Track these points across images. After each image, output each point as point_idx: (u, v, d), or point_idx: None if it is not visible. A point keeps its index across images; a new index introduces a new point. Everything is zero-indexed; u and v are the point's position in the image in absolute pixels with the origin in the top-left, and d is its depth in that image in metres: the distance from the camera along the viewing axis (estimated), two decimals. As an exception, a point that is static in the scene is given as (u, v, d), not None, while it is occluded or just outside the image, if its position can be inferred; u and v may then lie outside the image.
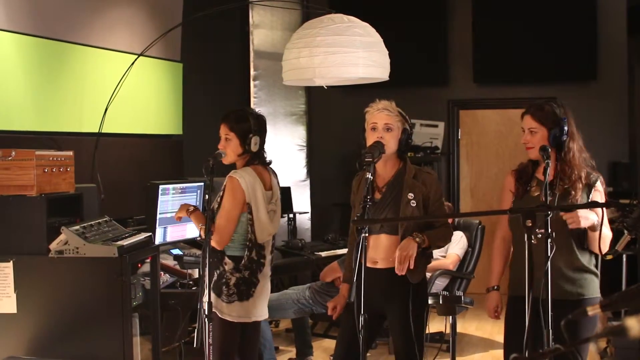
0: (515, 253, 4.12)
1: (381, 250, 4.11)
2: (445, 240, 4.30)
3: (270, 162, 4.55)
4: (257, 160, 4.45)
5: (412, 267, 3.95)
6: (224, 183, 4.35)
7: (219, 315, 4.29)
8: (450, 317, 3.97)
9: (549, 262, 3.36)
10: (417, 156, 9.27)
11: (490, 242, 4.55)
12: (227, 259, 4.33)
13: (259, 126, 4.44)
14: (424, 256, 4.14)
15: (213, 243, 4.23)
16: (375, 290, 3.92)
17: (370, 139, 4.12)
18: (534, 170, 4.14)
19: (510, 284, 4.14)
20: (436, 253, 6.79)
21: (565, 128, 3.99)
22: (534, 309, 3.76)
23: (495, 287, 4.19)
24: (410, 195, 4.11)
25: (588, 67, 9.28)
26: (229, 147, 4.36)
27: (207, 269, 3.96)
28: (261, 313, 4.51)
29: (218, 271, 4.34)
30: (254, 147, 4.40)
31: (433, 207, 4.16)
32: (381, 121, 4.14)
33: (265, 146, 4.52)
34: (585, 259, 3.99)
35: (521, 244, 3.84)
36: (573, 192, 3.96)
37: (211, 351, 4.17)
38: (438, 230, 4.18)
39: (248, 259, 4.35)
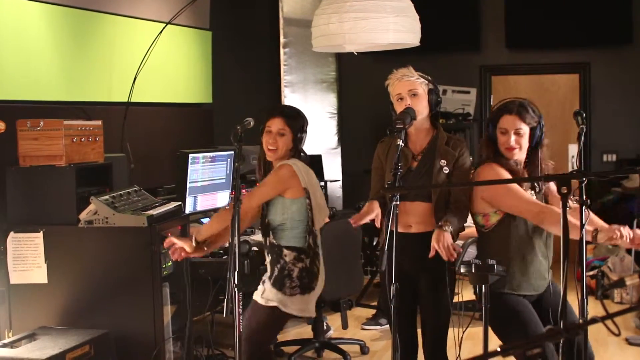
0: (512, 248, 3.89)
1: (415, 215, 4.04)
2: (462, 221, 4.05)
3: (308, 160, 4.46)
4: (298, 156, 4.38)
5: (455, 256, 3.85)
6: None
7: (282, 309, 4.22)
8: (483, 285, 3.90)
9: (583, 231, 3.27)
10: (449, 123, 9.19)
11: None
12: (286, 251, 4.26)
13: (306, 124, 4.43)
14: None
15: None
16: (407, 256, 3.86)
17: (399, 109, 4.04)
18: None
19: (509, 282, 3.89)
20: (469, 221, 6.72)
21: (543, 124, 3.90)
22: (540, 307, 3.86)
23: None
24: (443, 162, 4.04)
25: (623, 30, 9.11)
26: (282, 142, 4.29)
27: (236, 238, 3.91)
28: (314, 309, 4.41)
29: (278, 265, 4.26)
30: (302, 145, 4.39)
31: (456, 173, 4.07)
32: (404, 89, 4.06)
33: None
34: None
35: (520, 239, 3.84)
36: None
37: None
38: (455, 213, 4.01)
39: (308, 246, 4.29)
